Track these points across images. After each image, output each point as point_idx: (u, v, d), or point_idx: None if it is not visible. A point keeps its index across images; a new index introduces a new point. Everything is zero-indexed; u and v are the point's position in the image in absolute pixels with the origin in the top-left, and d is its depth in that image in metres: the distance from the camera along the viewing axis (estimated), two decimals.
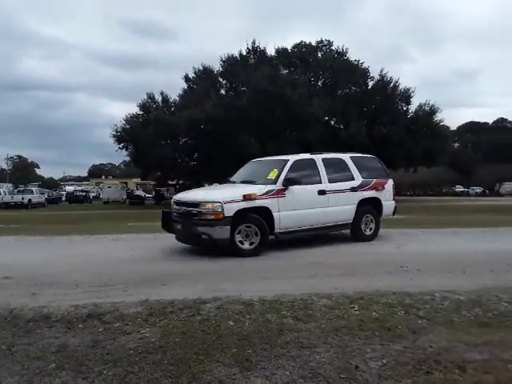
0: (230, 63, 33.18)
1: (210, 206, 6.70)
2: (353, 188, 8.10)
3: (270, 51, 34.78)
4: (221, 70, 33.96)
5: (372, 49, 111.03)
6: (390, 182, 8.93)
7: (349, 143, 28.84)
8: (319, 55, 36.31)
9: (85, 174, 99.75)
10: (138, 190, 52.81)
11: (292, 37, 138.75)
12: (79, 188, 59.28)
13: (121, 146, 32.06)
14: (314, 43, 36.45)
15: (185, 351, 2.91)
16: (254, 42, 33.66)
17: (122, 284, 4.81)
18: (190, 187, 41.57)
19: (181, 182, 40.72)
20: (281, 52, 35.15)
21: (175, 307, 3.83)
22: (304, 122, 28.13)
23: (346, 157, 8.62)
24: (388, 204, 8.74)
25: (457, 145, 67.10)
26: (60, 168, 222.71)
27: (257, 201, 6.89)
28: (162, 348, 2.97)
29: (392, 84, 33.22)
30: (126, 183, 54.70)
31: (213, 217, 6.60)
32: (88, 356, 2.89)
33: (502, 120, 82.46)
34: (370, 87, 34.54)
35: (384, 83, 33.28)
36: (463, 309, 3.68)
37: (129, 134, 31.07)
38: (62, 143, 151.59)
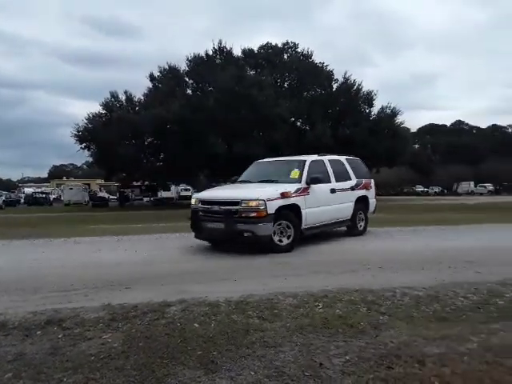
0: (197, 63, 32.91)
1: (254, 203, 6.76)
2: (352, 187, 8.85)
3: (237, 52, 34.86)
4: (187, 69, 33.63)
5: (336, 51, 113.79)
6: (373, 182, 9.82)
7: (314, 144, 29.29)
8: (285, 57, 36.65)
9: (45, 175, 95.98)
10: (101, 191, 51.29)
11: (258, 38, 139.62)
12: (39, 190, 56.81)
13: (83, 146, 31.03)
14: (280, 45, 36.78)
15: (148, 356, 2.85)
16: (220, 42, 33.59)
17: (83, 288, 4.67)
18: (155, 188, 41.21)
19: (146, 182, 40.01)
20: (247, 53, 35.24)
21: (139, 311, 3.75)
22: (271, 123, 28.33)
23: (343, 159, 9.32)
24: (372, 202, 9.67)
25: (417, 146, 69.71)
26: (18, 169, 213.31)
27: (291, 198, 7.18)
28: (125, 353, 2.91)
29: (355, 87, 34.03)
30: (88, 185, 52.95)
31: (256, 214, 6.68)
32: (47, 363, 2.79)
33: (459, 122, 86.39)
34: (334, 89, 35.21)
35: (348, 86, 34.04)
36: (422, 304, 3.82)
37: (91, 134, 30.15)
38: (21, 143, 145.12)
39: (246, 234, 6.76)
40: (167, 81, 32.47)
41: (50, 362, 2.81)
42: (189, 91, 33.68)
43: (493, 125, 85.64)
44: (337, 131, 30.91)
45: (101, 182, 57.30)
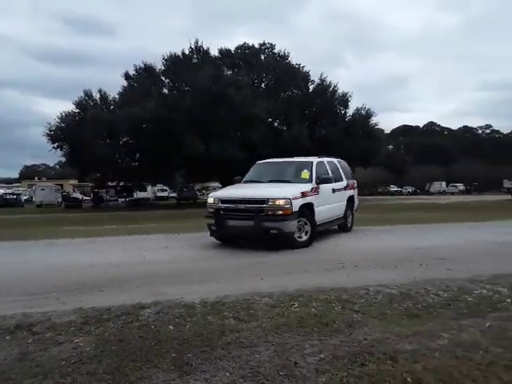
0: (173, 62, 32.56)
1: (281, 202, 7.07)
2: (344, 187, 9.45)
3: (214, 52, 34.69)
4: (163, 68, 33.25)
5: (311, 53, 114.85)
6: (356, 183, 10.50)
7: (291, 144, 29.51)
8: (262, 58, 36.73)
9: (16, 175, 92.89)
10: (74, 192, 50.08)
11: (234, 38, 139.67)
12: (9, 191, 54.97)
13: (55, 145, 30.24)
14: (256, 45, 36.84)
15: (121, 359, 2.80)
16: (196, 42, 33.33)
17: (55, 292, 4.55)
18: (131, 188, 40.55)
19: (122, 183, 39.32)
20: (224, 53, 35.15)
21: (112, 314, 3.68)
22: (248, 123, 28.33)
23: (336, 160, 9.78)
24: (356, 201, 10.37)
25: (391, 147, 71.32)
26: None
27: (307, 197, 7.58)
28: (97, 357, 2.84)
29: (331, 88, 34.39)
30: (61, 185, 51.64)
31: (282, 212, 7.02)
32: (15, 369, 2.70)
33: (431, 124, 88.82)
34: (310, 91, 35.52)
35: (324, 87, 34.38)
36: (395, 302, 3.89)
37: (64, 133, 29.42)
38: None
39: (272, 232, 7.06)
40: (143, 80, 32.02)
41: (18, 367, 2.72)
42: (165, 90, 33.29)
43: (463, 126, 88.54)
44: (313, 132, 31.18)
45: (74, 182, 55.94)
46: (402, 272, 5.13)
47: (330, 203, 8.54)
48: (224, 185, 43.04)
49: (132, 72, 33.11)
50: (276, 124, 35.42)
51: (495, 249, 6.84)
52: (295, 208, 7.12)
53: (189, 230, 11.16)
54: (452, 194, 52.73)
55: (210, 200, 7.89)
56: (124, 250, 7.62)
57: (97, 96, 31.90)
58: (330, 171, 8.82)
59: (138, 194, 42.58)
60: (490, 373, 2.46)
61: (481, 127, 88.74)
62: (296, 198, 7.21)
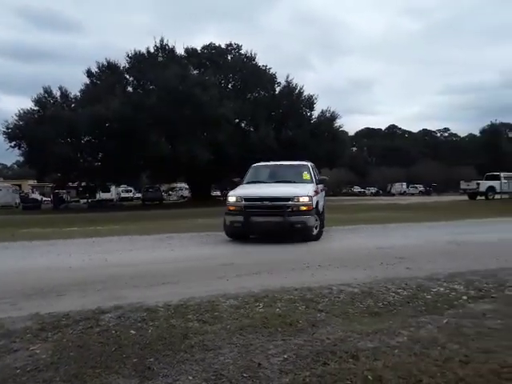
0: (137, 60, 31.90)
1: (305, 199, 7.96)
2: (321, 189, 9.93)
3: (180, 50, 34.28)
4: (127, 66, 32.52)
5: (278, 55, 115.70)
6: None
7: (258, 145, 29.62)
8: (229, 58, 36.69)
9: None
10: (33, 192, 48.06)
11: (201, 38, 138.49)
12: None
13: (12, 144, 28.89)
14: (223, 46, 36.77)
15: (80, 366, 2.70)
16: (162, 40, 32.81)
17: (11, 297, 4.34)
18: (94, 189, 39.35)
19: (83, 183, 38.09)
20: (190, 52, 34.83)
21: (71, 319, 3.55)
22: (215, 123, 28.19)
23: (311, 164, 10.18)
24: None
25: (355, 149, 73.13)
26: None
27: (316, 196, 8.45)
28: (54, 364, 2.73)
29: (297, 90, 34.80)
30: (19, 185, 49.41)
31: (306, 208, 7.91)
32: None
33: (393, 127, 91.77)
34: (277, 92, 35.81)
35: (290, 89, 34.74)
36: (357, 300, 3.97)
37: (22, 132, 28.15)
38: None
39: (297, 226, 7.84)
40: (106, 77, 31.20)
41: None
42: (129, 89, 32.59)
43: (423, 129, 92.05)
44: (280, 133, 31.44)
45: (33, 182, 53.64)
46: (364, 271, 5.25)
47: (321, 201, 9.55)
48: (191, 185, 42.72)
49: (95, 69, 32.19)
50: (243, 125, 35.48)
51: (452, 248, 7.13)
52: (314, 204, 8.10)
53: (154, 231, 10.98)
54: (412, 194, 54.59)
55: (233, 198, 8.27)
56: (85, 253, 7.39)
57: (57, 93, 30.80)
58: (314, 174, 9.66)
59: (101, 195, 41.45)
60: (447, 368, 2.54)
61: (439, 130, 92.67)
62: (314, 196, 8.22)
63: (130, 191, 51.62)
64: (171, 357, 2.81)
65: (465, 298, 4.01)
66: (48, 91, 30.32)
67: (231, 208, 8.22)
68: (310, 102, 35.25)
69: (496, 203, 23.09)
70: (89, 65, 36.44)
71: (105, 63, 31.86)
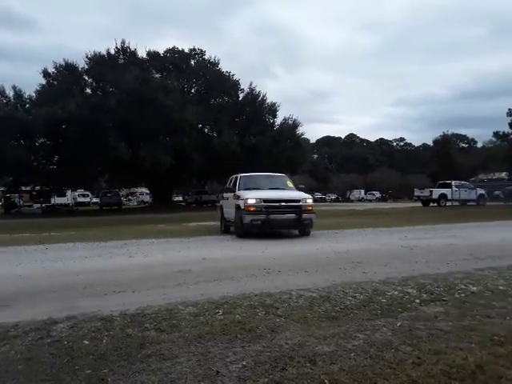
0: (97, 61, 31.05)
1: (310, 201, 10.33)
2: None
3: (142, 53, 33.71)
4: (86, 67, 31.55)
5: (240, 62, 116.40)
6: None
7: (222, 151, 29.58)
8: (192, 63, 36.48)
9: None
10: None
11: (162, 42, 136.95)
12: None
13: None
14: (186, 50, 36.52)
15: (29, 379, 2.57)
16: (123, 42, 32.20)
17: None
18: (49, 193, 37.64)
19: (37, 187, 36.44)
20: (152, 55, 34.31)
21: (20, 330, 3.37)
22: (178, 128, 27.86)
23: (288, 175, 12.78)
24: None
25: (315, 156, 74.66)
26: None
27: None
28: (0, 379, 2.58)
29: (260, 98, 35.17)
30: None
31: (310, 208, 10.20)
32: None
33: (352, 136, 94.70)
34: (240, 99, 35.99)
35: (253, 96, 35.02)
36: (315, 305, 4.02)
37: None
38: None
39: (306, 222, 10.04)
40: (63, 78, 30.12)
41: None
42: (88, 90, 31.63)
43: (380, 139, 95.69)
44: (243, 139, 31.55)
45: None
46: (323, 276, 5.34)
47: None
48: (152, 190, 41.86)
49: (51, 69, 30.98)
50: (206, 130, 35.31)
51: (406, 252, 7.40)
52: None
53: (112, 238, 10.67)
54: (370, 201, 56.33)
55: (252, 201, 9.82)
56: (36, 261, 7.06)
57: (10, 93, 29.38)
58: None
59: (56, 200, 39.82)
60: (400, 370, 2.61)
61: (395, 140, 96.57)
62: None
63: (87, 196, 49.90)
64: (126, 367, 2.73)
65: (417, 301, 4.16)
66: (0, 91, 28.89)
67: (251, 208, 9.74)
68: (272, 110, 35.69)
69: (447, 210, 24.24)
70: (44, 65, 35.06)
71: (62, 63, 30.76)
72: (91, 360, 2.85)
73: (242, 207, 9.86)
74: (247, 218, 9.72)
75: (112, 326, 3.48)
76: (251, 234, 9.94)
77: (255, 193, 10.28)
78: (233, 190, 10.98)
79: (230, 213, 11.20)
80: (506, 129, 53.73)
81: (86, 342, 3.15)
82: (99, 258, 7.40)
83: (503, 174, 54.40)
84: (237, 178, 11.56)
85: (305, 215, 9.86)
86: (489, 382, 2.45)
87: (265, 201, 9.81)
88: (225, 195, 12.42)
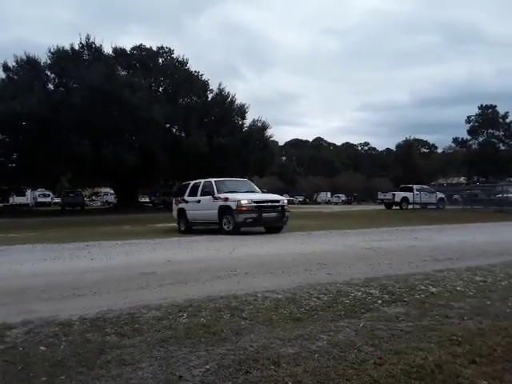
0: (60, 56, 29.98)
1: (286, 201, 12.49)
2: None
3: (107, 50, 32.84)
4: (49, 62, 30.40)
5: (208, 63, 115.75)
6: None
7: (190, 151, 29.27)
8: (160, 61, 35.93)
9: None
10: None
11: (128, 39, 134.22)
12: None
13: None
14: (154, 48, 35.94)
15: None
16: (88, 38, 31.25)
17: None
18: (7, 192, 35.93)
19: None
20: (119, 52, 33.50)
21: None
22: (144, 127, 27.33)
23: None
24: None
25: (284, 158, 75.36)
26: None
27: None
28: None
29: (229, 99, 35.12)
30: None
31: (286, 207, 12.23)
32: None
33: (319, 139, 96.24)
34: (209, 99, 35.78)
35: (222, 97, 34.92)
36: (281, 307, 4.02)
37: None
38: None
39: (285, 218, 12.07)
40: (24, 72, 28.91)
41: None
42: (50, 86, 30.51)
43: (346, 142, 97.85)
44: (212, 140, 31.37)
45: None
46: (289, 277, 5.37)
47: None
48: (117, 190, 40.80)
49: (12, 63, 29.65)
50: (174, 130, 34.86)
51: (369, 254, 7.57)
52: None
53: (73, 239, 10.32)
54: (336, 203, 57.36)
55: (245, 201, 11.31)
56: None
57: None
58: None
59: (16, 199, 38.13)
60: (362, 371, 2.64)
61: (360, 144, 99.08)
62: None
63: (48, 196, 48.11)
64: (85, 374, 2.63)
65: (379, 302, 4.25)
66: None
67: (243, 208, 11.18)
68: (241, 111, 35.71)
69: (409, 213, 25.06)
70: (3, 59, 33.44)
71: (23, 58, 29.50)
72: (47, 367, 2.72)
73: (234, 207, 11.24)
74: (241, 217, 11.17)
75: (70, 331, 3.35)
76: (214, 234, 9.92)
77: (244, 195, 11.88)
78: (209, 193, 12.35)
79: (196, 214, 12.90)
80: (465, 135, 56.69)
81: (43, 348, 3.02)
82: (59, 261, 7.13)
83: (462, 179, 57.00)
84: (206, 182, 13.00)
85: (285, 213, 11.97)
86: (447, 381, 2.52)
87: (256, 201, 11.42)
88: (187, 198, 13.39)
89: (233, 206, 11.29)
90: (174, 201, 14.55)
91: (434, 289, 4.76)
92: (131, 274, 5.72)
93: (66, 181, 44.36)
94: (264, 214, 11.34)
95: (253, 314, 3.79)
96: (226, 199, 11.64)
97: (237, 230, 11.39)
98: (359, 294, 4.51)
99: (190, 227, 13.24)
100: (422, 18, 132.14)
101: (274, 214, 11.66)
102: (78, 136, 25.86)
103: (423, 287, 4.82)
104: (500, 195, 27.66)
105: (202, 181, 13.39)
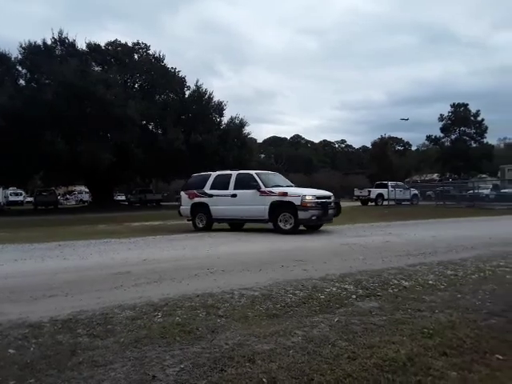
0: (32, 52, 29.09)
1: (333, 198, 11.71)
2: None
3: (81, 45, 32.09)
4: (20, 57, 29.44)
5: (185, 60, 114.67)
6: None
7: (167, 149, 28.94)
8: (136, 57, 35.35)
9: None
10: None
11: (103, 35, 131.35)
12: None
13: None
14: (130, 44, 35.32)
15: None
16: (61, 33, 30.48)
17: None
18: None
19: None
20: (93, 47, 32.79)
21: None
22: (119, 124, 26.85)
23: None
24: None
25: (262, 156, 75.51)
26: None
27: None
28: None
29: (207, 96, 34.88)
30: None
31: (333, 204, 11.42)
32: None
33: (297, 136, 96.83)
34: (186, 96, 35.44)
35: (200, 94, 34.64)
36: (257, 303, 4.03)
37: None
38: None
39: (329, 213, 11.05)
40: None
41: None
42: (21, 82, 29.59)
43: (324, 140, 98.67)
44: (189, 137, 31.10)
45: None
46: (266, 274, 5.37)
47: None
48: (92, 189, 39.94)
49: None
50: (151, 127, 34.39)
51: (344, 250, 7.66)
52: None
53: (46, 239, 10.06)
54: None
55: (310, 197, 10.58)
56: None
57: None
58: None
59: None
60: (336, 365, 2.68)
61: (337, 142, 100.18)
62: None
63: (20, 194, 46.78)
64: (55, 376, 2.57)
65: (354, 296, 4.31)
66: None
67: (308, 204, 10.42)
68: (219, 108, 35.55)
69: (384, 209, 25.50)
70: None
71: None
72: (16, 370, 2.65)
73: (298, 203, 10.38)
74: (306, 214, 10.42)
75: (41, 333, 3.26)
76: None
77: (302, 190, 11.36)
78: (250, 187, 11.25)
79: (225, 210, 11.77)
80: (438, 133, 58.09)
81: (12, 351, 2.93)
82: (30, 261, 6.93)
83: (435, 176, 58.46)
84: (242, 174, 11.97)
85: (330, 211, 11.16)
86: (418, 374, 2.58)
87: (318, 197, 10.84)
88: (211, 192, 12.09)
89: (296, 201, 10.39)
90: (184, 195, 12.88)
91: (406, 283, 4.87)
92: (105, 274, 5.61)
93: (38, 179, 43.19)
94: (329, 211, 10.86)
95: (229, 312, 3.78)
96: (285, 194, 10.76)
97: (297, 229, 10.65)
98: (334, 289, 4.57)
99: (210, 224, 12.18)
100: (399, 18, 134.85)
101: (332, 211, 11.07)
102: (51, 133, 25.17)
103: (396, 281, 4.92)
104: (471, 191, 28.51)
105: (234, 172, 12.23)
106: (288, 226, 10.62)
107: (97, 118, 26.06)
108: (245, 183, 11.49)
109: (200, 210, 12.29)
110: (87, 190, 48.10)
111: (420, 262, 6.11)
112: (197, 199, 12.36)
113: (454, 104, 56.64)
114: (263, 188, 11.08)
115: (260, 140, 74.94)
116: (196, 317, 3.65)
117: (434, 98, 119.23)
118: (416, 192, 31.71)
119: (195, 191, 12.49)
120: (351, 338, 3.16)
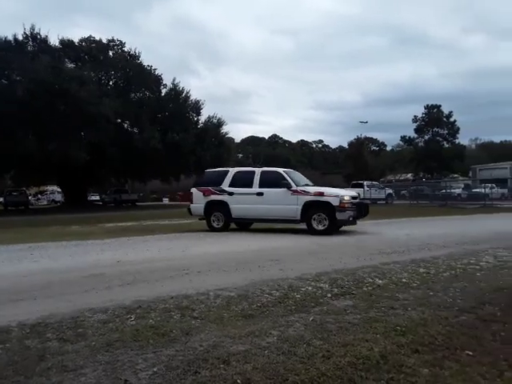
0: (3, 47, 28.07)
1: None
2: None
3: (54, 41, 31.21)
4: None
5: (160, 58, 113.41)
6: None
7: (142, 148, 28.51)
8: (110, 54, 34.65)
9: None
10: None
11: (76, 31, 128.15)
12: None
13: None
14: (104, 41, 34.60)
15: None
16: (33, 28, 29.55)
17: None
18: None
19: None
20: (66, 44, 31.94)
21: None
22: (93, 122, 26.25)
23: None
24: None
25: (240, 155, 75.49)
26: None
27: None
28: None
29: (184, 94, 34.57)
30: None
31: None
32: None
33: (275, 136, 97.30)
34: (163, 94, 35.01)
35: (176, 92, 34.29)
36: (233, 304, 4.01)
37: None
38: None
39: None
40: None
41: None
42: None
43: (301, 140, 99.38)
44: (165, 136, 30.72)
45: None
46: (242, 274, 5.35)
47: None
48: (64, 188, 38.92)
49: None
50: (126, 126, 33.78)
51: (320, 249, 7.73)
52: None
53: (14, 241, 9.72)
54: None
55: (347, 197, 10.43)
56: None
57: None
58: None
59: None
60: (311, 365, 2.68)
61: (314, 142, 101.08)
62: None
63: None
64: (22, 382, 2.48)
65: (329, 295, 4.35)
66: None
67: (346, 205, 10.23)
68: (196, 107, 35.28)
69: None
70: None
71: None
72: None
73: (336, 204, 10.11)
74: (344, 215, 10.24)
75: (8, 338, 3.14)
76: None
77: (342, 191, 11.48)
78: (278, 185, 10.66)
79: (249, 209, 11.00)
80: (412, 134, 59.41)
81: None
82: None
83: (409, 175, 59.78)
84: (269, 172, 11.43)
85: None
86: (391, 371, 2.61)
87: (353, 198, 10.82)
88: (231, 190, 11.25)
89: (334, 202, 10.07)
90: (196, 192, 11.84)
91: (380, 281, 4.94)
92: (77, 277, 5.45)
93: (9, 179, 41.84)
94: (363, 212, 10.95)
95: (204, 313, 3.74)
96: (321, 194, 10.44)
97: (332, 229, 10.33)
98: (310, 288, 4.59)
99: (228, 224, 11.50)
100: (372, 20, 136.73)
101: (363, 212, 11.09)
102: (22, 131, 24.40)
103: (370, 280, 4.98)
104: (444, 191, 29.36)
105: (257, 169, 11.47)
106: (321, 227, 10.30)
107: (70, 116, 25.39)
108: (271, 181, 10.88)
109: (217, 208, 11.42)
110: (59, 189, 46.89)
111: (393, 261, 6.22)
112: (213, 197, 11.43)
113: (427, 105, 58.02)
114: (295, 187, 10.62)
115: (238, 140, 75.06)
116: (170, 319, 3.59)
117: (405, 100, 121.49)
118: (391, 191, 32.42)
119: (211, 188, 11.52)
120: (326, 336, 3.18)
